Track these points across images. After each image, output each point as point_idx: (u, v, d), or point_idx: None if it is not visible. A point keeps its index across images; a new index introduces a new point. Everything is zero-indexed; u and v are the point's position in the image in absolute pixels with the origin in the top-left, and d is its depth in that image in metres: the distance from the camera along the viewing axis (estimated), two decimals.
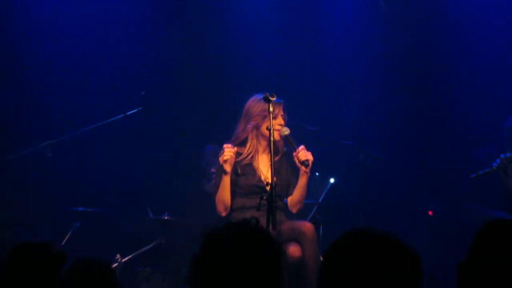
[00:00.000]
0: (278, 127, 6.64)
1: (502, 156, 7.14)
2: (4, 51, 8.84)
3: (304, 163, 6.57)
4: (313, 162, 6.79)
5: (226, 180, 6.73)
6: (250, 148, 6.93)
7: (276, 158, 6.62)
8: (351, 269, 2.67)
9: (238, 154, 6.84)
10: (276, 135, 6.56)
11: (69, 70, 8.90)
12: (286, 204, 6.90)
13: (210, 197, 7.19)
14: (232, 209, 6.86)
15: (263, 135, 6.83)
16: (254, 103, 6.90)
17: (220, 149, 6.85)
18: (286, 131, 6.65)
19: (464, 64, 9.11)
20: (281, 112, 6.74)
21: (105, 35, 9.11)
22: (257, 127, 6.88)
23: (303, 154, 6.60)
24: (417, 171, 8.91)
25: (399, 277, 2.66)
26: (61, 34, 9.01)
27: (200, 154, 8.43)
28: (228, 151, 6.59)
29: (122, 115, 8.01)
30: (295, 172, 6.87)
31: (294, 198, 6.89)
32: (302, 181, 6.78)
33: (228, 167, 6.62)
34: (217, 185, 6.91)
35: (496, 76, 8.95)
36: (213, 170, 7.61)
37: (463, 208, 8.23)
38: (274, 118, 6.51)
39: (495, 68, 8.94)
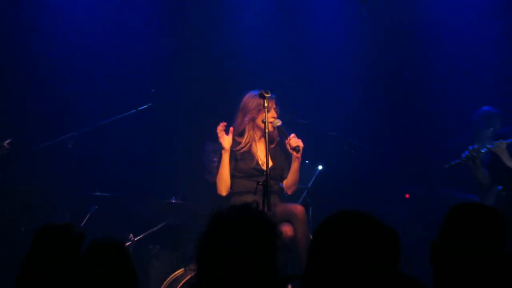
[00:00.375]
0: (271, 119, 6.86)
1: (470, 148, 7.28)
2: (31, 52, 8.86)
3: (295, 148, 6.79)
4: (303, 151, 7.02)
5: (226, 158, 7.01)
6: (248, 138, 7.15)
7: (272, 146, 6.98)
8: (335, 246, 2.73)
9: (237, 143, 7.10)
10: (270, 126, 6.76)
11: (88, 72, 8.97)
12: (280, 188, 7.18)
13: (211, 185, 7.39)
14: (232, 193, 7.08)
15: (258, 126, 7.07)
16: (250, 99, 7.14)
17: (217, 146, 7.25)
18: (278, 122, 6.92)
19: (438, 63, 9.26)
20: (274, 106, 6.98)
21: (117, 38, 9.18)
22: (253, 120, 7.10)
23: (294, 141, 6.82)
24: (395, 159, 8.95)
25: (379, 251, 2.69)
26: (82, 34, 9.11)
27: (202, 151, 8.45)
28: (219, 130, 6.88)
29: (134, 110, 8.15)
30: (288, 159, 7.10)
31: (289, 181, 7.11)
32: (295, 165, 7.00)
33: (226, 144, 6.92)
34: (218, 167, 7.17)
35: (467, 74, 9.06)
36: (214, 162, 7.67)
37: (437, 191, 8.36)
38: (268, 111, 6.69)
39: (466, 67, 9.04)
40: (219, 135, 6.91)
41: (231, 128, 6.98)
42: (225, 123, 6.93)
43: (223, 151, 7.01)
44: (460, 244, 3.23)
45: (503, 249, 3.22)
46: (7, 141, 7.58)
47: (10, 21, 8.91)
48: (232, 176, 7.13)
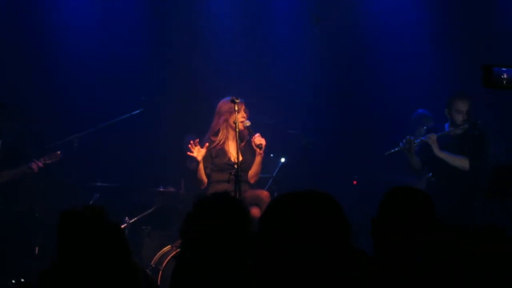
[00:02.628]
0: (241, 119, 7.01)
1: (407, 137, 7.22)
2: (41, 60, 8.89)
3: (258, 146, 6.97)
4: (269, 146, 7.22)
5: (201, 166, 7.16)
6: (221, 136, 7.30)
7: (242, 144, 7.10)
8: (285, 220, 2.47)
9: (212, 141, 7.27)
10: (241, 125, 6.94)
11: (93, 84, 9.00)
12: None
13: (193, 173, 7.53)
14: (210, 181, 7.23)
15: (231, 126, 7.19)
16: (223, 104, 7.28)
17: (195, 137, 7.24)
18: (248, 123, 7.06)
19: (380, 72, 9.19)
20: (243, 108, 7.10)
21: (113, 48, 9.13)
22: (226, 120, 7.24)
23: (258, 139, 7.00)
24: (344, 151, 8.90)
25: (326, 222, 2.45)
26: (84, 42, 9.08)
27: (182, 142, 8.14)
28: (192, 147, 6.99)
29: (128, 114, 8.18)
30: (255, 154, 7.26)
31: (251, 173, 7.28)
32: (257, 160, 7.20)
33: (199, 157, 7.03)
34: (195, 170, 7.31)
35: (404, 82, 9.01)
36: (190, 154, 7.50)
37: (381, 176, 8.08)
38: (238, 113, 6.87)
39: (404, 76, 9.02)
40: (193, 151, 7.03)
41: (206, 144, 7.10)
42: (197, 140, 7.07)
43: (199, 161, 7.17)
44: (391, 217, 3.15)
45: (429, 226, 3.16)
46: (58, 152, 7.86)
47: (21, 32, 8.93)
48: (211, 169, 7.28)
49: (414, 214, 3.11)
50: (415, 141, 7.24)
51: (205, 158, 7.21)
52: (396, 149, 7.26)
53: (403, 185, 3.32)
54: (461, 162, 7.16)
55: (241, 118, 7.02)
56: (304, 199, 2.46)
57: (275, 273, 2.36)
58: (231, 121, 7.17)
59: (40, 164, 7.83)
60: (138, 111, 8.26)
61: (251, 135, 7.14)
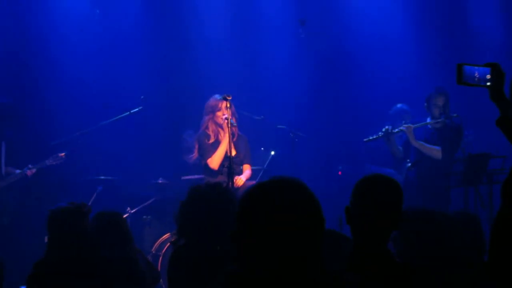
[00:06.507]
0: (225, 115, 6.77)
1: (386, 126, 7.29)
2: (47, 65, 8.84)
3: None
4: (259, 140, 7.49)
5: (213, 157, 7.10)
6: (211, 130, 7.19)
7: (234, 139, 7.03)
8: (260, 206, 2.38)
9: (207, 135, 7.17)
10: (224, 123, 6.89)
11: (97, 88, 8.98)
12: (241, 170, 7.22)
13: (188, 165, 7.75)
14: (206, 173, 7.23)
15: (217, 123, 7.14)
16: (210, 101, 7.23)
17: (193, 133, 7.40)
18: (234, 122, 6.89)
19: (363, 70, 9.29)
20: (227, 105, 6.74)
21: (114, 52, 9.17)
22: (212, 118, 7.16)
23: (237, 183, 6.88)
24: (330, 144, 9.00)
25: (302, 210, 2.36)
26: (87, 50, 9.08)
27: (181, 139, 8.30)
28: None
29: (128, 113, 8.20)
30: (248, 152, 7.32)
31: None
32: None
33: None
34: (191, 162, 7.47)
35: (385, 80, 9.08)
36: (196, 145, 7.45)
37: (363, 167, 8.27)
38: (227, 110, 6.72)
39: (385, 74, 9.09)
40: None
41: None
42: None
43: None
44: (361, 204, 3.08)
45: (397, 212, 3.13)
46: (62, 154, 7.90)
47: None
48: (206, 163, 7.24)
49: (381, 200, 3.06)
50: (393, 131, 7.26)
51: (207, 150, 7.18)
52: (374, 136, 7.30)
53: (373, 174, 3.27)
54: (435, 152, 7.20)
55: (225, 115, 6.87)
56: (275, 185, 2.41)
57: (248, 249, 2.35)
58: (217, 118, 7.16)
59: (34, 171, 7.86)
60: (137, 109, 8.26)
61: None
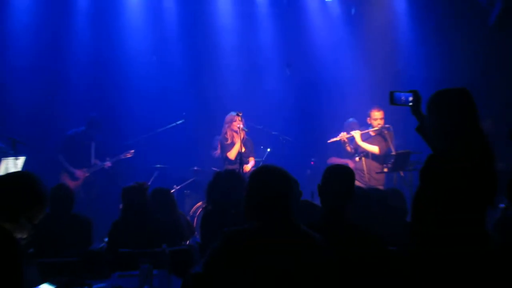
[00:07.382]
0: (239, 125, 6.72)
1: (341, 133, 7.02)
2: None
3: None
4: (260, 142, 7.17)
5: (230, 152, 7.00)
6: (229, 136, 7.08)
7: (243, 141, 6.85)
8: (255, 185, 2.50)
9: (226, 139, 7.08)
10: (240, 129, 6.71)
11: (155, 105, 8.51)
12: (248, 161, 7.05)
13: (213, 158, 7.53)
14: (225, 163, 7.07)
15: (233, 130, 7.00)
16: (228, 117, 7.12)
17: (218, 137, 7.15)
18: (245, 129, 6.85)
19: (331, 87, 8.72)
20: (239, 118, 6.72)
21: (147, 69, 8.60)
22: (229, 127, 7.06)
23: (245, 169, 6.70)
24: (306, 144, 8.63)
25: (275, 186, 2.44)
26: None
27: (212, 141, 7.78)
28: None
29: (174, 124, 7.92)
30: (252, 149, 7.18)
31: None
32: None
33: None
34: (216, 157, 7.27)
35: (346, 96, 8.47)
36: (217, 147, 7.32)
37: (328, 159, 7.79)
38: (240, 121, 6.70)
39: (346, 91, 8.54)
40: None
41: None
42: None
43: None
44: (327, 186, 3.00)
45: (350, 190, 3.00)
46: (132, 151, 7.65)
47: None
48: (226, 155, 7.11)
49: (340, 182, 2.98)
50: (347, 135, 7.04)
51: (226, 148, 7.02)
52: (334, 138, 7.08)
53: (336, 164, 3.20)
54: (373, 149, 6.97)
55: (238, 125, 6.77)
56: (268, 169, 2.52)
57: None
58: (233, 127, 7.02)
59: (110, 164, 7.65)
60: (180, 121, 8.12)
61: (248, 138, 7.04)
